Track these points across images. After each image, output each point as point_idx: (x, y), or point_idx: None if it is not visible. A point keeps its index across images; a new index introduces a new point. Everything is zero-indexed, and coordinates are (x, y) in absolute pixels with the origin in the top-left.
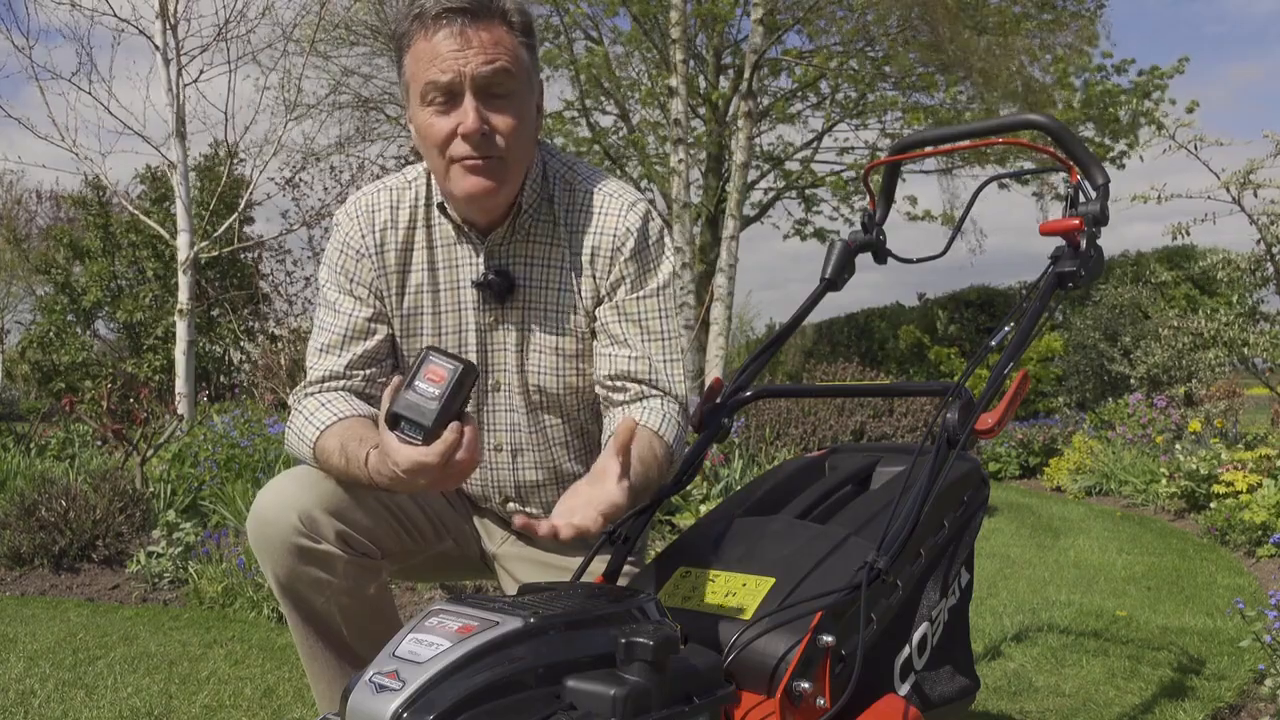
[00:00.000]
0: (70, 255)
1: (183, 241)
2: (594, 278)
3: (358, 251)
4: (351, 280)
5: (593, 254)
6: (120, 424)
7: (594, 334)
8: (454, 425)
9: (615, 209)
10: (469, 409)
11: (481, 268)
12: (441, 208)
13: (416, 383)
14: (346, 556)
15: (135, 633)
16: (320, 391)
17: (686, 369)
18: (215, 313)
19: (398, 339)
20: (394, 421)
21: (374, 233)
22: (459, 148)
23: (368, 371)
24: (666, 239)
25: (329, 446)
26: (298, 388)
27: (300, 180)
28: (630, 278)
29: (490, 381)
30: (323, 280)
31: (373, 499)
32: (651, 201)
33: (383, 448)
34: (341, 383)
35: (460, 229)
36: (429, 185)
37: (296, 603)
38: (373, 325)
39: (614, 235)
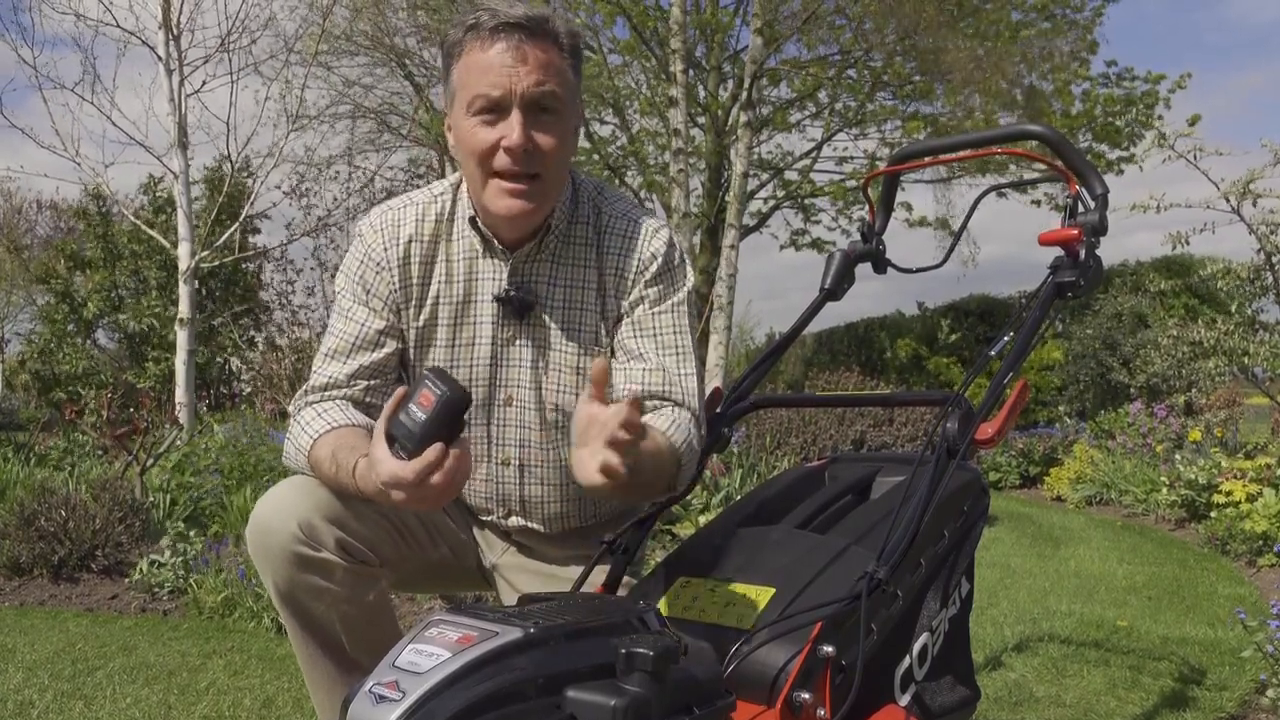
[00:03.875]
0: (71, 266)
1: (184, 251)
2: (617, 299)
3: (378, 264)
4: (368, 291)
5: (618, 277)
6: (121, 431)
7: (614, 353)
8: (436, 447)
9: (640, 233)
10: (463, 435)
11: (504, 283)
12: (473, 221)
13: (410, 404)
14: (346, 564)
15: (134, 643)
16: (320, 401)
17: (701, 382)
18: (217, 322)
19: (413, 350)
20: (390, 439)
21: (398, 245)
22: (501, 160)
23: (370, 383)
24: (688, 263)
25: (321, 455)
26: (299, 394)
27: (308, 189)
28: (650, 299)
29: (502, 396)
30: (339, 287)
31: (371, 507)
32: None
33: (371, 458)
34: (342, 391)
35: (489, 243)
36: (455, 200)
37: (296, 611)
38: (382, 338)
39: (639, 259)
